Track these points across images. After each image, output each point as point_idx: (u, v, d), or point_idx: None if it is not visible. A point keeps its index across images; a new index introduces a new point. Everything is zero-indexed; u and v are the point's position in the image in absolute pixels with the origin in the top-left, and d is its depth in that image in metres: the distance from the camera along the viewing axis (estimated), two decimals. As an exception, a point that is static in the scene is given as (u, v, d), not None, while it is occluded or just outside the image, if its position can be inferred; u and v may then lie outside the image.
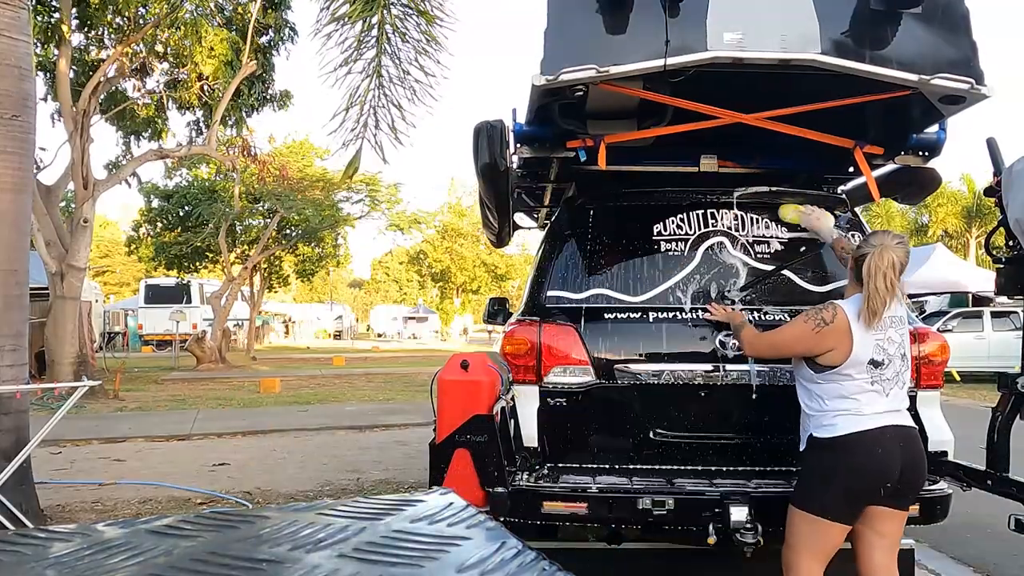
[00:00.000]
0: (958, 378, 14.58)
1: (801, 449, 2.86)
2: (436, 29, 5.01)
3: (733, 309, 3.28)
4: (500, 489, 2.89)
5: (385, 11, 4.85)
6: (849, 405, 2.71)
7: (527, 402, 3.31)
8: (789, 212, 3.51)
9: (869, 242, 2.77)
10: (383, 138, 5.02)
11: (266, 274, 28.86)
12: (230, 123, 15.57)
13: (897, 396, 2.76)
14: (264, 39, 14.60)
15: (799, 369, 2.86)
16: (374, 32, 4.91)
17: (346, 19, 4.86)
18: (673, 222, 3.61)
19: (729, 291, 3.47)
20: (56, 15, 12.65)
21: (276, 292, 39.47)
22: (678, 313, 3.39)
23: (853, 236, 3.69)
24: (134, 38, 13.28)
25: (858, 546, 2.81)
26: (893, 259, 2.69)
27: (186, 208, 23.43)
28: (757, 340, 3.00)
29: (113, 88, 14.49)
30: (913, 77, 2.91)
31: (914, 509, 3.07)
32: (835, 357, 2.71)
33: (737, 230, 3.61)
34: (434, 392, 3.11)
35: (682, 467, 3.32)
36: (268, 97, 15.43)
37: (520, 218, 5.76)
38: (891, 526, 2.79)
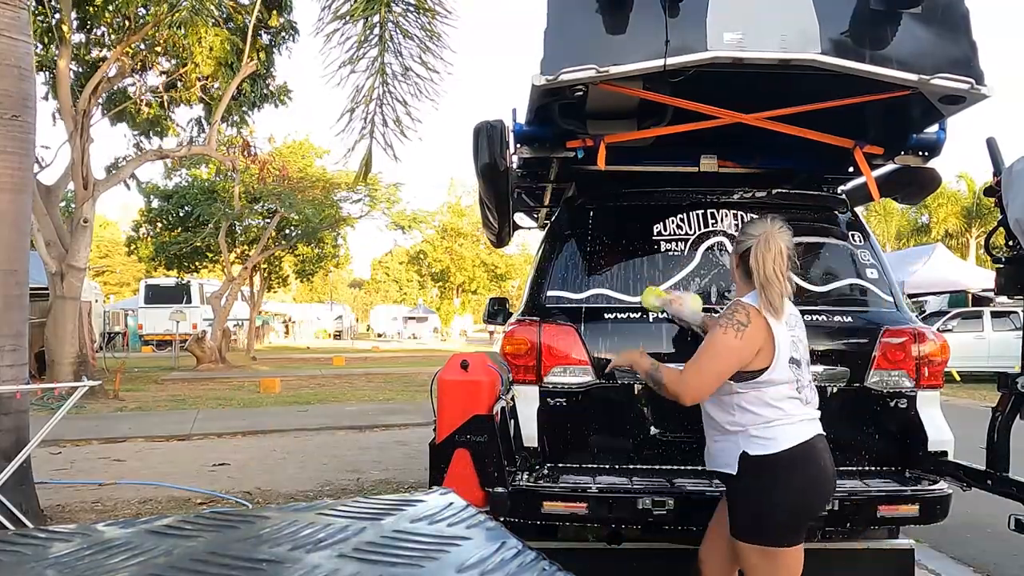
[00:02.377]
0: (958, 378, 14.58)
1: (733, 473, 2.51)
2: (438, 25, 5.01)
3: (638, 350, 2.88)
4: (500, 489, 2.88)
5: (386, 8, 4.85)
6: (777, 411, 2.46)
7: (527, 402, 3.31)
8: (650, 299, 3.17)
9: (749, 232, 2.56)
10: (391, 136, 5.02)
11: (266, 274, 28.87)
12: (232, 121, 15.57)
13: (813, 402, 2.56)
14: (265, 38, 14.61)
15: None
16: (376, 30, 4.91)
17: (348, 17, 4.86)
18: (673, 222, 3.61)
19: (729, 291, 3.47)
20: (57, 15, 12.65)
21: (276, 292, 39.47)
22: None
23: (853, 236, 3.70)
24: (134, 38, 13.28)
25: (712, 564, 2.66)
26: (780, 246, 2.48)
27: (186, 208, 23.43)
28: (683, 378, 2.55)
29: (114, 88, 14.49)
30: (913, 77, 2.91)
31: (912, 508, 3.08)
32: (762, 359, 2.45)
33: (737, 230, 3.61)
34: (434, 392, 3.11)
35: (682, 467, 3.32)
36: (268, 94, 15.43)
37: (520, 218, 5.76)
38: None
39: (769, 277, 2.45)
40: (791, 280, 2.56)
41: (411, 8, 4.99)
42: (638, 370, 2.77)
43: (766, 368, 2.44)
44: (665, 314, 3.30)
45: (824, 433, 2.54)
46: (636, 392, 3.35)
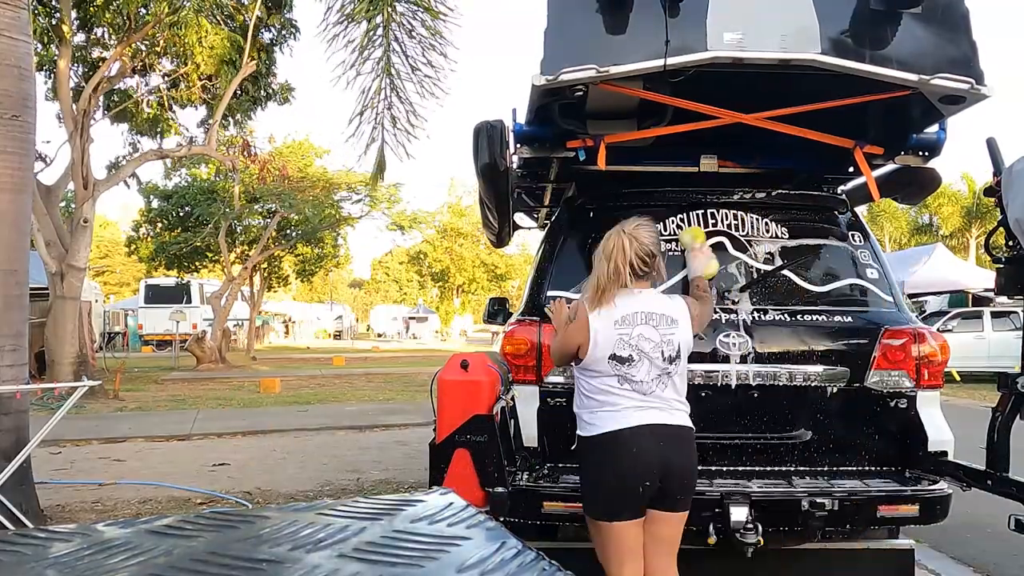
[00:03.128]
0: (958, 378, 14.58)
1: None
2: (441, 24, 5.01)
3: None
4: (500, 489, 2.88)
5: (390, 8, 4.85)
6: (603, 400, 2.66)
7: (527, 402, 3.31)
8: (688, 238, 3.37)
9: (613, 229, 2.73)
10: (400, 136, 5.03)
11: (266, 274, 28.87)
12: (235, 120, 15.58)
13: (660, 395, 2.67)
14: (266, 36, 14.61)
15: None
16: (380, 31, 4.92)
17: (351, 18, 4.87)
18: (673, 222, 3.61)
19: (729, 291, 3.47)
20: (57, 15, 12.65)
21: (276, 292, 39.47)
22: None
23: (853, 236, 3.70)
24: (135, 37, 13.28)
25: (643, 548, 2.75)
26: (623, 244, 2.63)
27: (186, 208, 23.44)
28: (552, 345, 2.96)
29: (114, 88, 14.49)
30: (913, 77, 2.91)
31: (912, 508, 3.08)
32: (581, 351, 2.68)
33: (737, 230, 3.61)
34: (434, 392, 3.11)
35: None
36: (269, 93, 15.44)
37: (520, 218, 5.76)
38: (664, 529, 2.69)
39: (599, 273, 2.66)
40: (654, 280, 2.75)
41: (414, 8, 5.00)
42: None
43: (583, 359, 2.69)
44: None
45: (671, 424, 2.64)
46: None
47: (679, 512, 2.69)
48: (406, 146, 5.09)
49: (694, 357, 3.28)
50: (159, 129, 15.48)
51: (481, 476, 2.86)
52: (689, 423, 2.72)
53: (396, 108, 4.99)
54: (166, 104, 14.87)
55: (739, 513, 2.92)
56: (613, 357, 2.64)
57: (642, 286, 2.72)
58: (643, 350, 2.64)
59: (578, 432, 2.75)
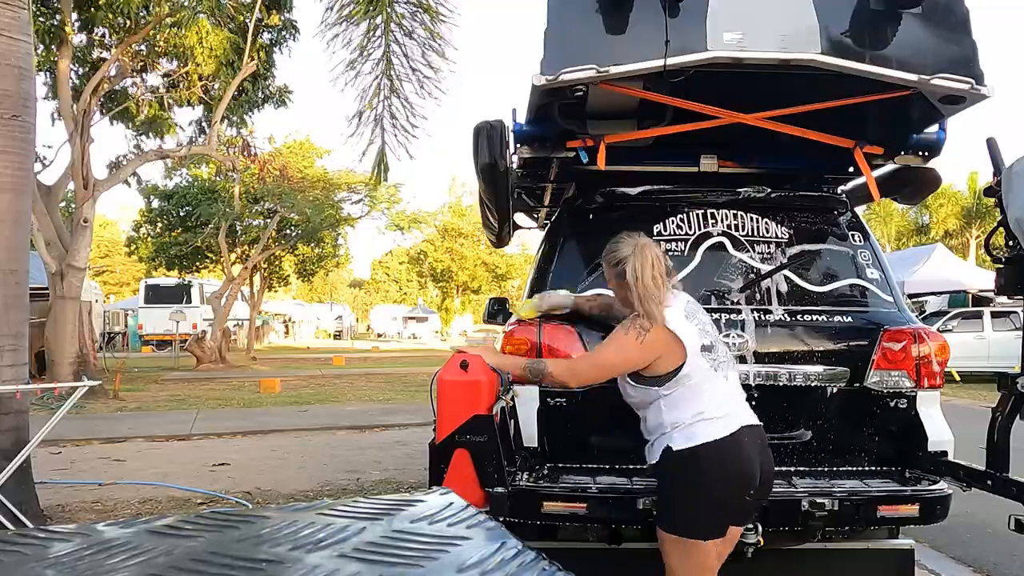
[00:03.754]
0: (958, 378, 14.58)
1: (654, 462, 2.63)
2: (440, 26, 5.02)
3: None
4: (500, 489, 2.88)
5: (390, 9, 4.85)
6: (704, 402, 2.52)
7: (527, 402, 3.31)
8: (527, 309, 3.28)
9: (621, 249, 2.63)
10: (400, 135, 5.04)
11: (266, 274, 28.87)
12: (233, 121, 15.58)
13: (737, 383, 2.63)
14: (266, 37, 14.62)
15: (625, 385, 2.67)
16: (380, 30, 4.92)
17: (350, 19, 4.87)
18: (673, 222, 3.61)
19: (729, 291, 3.47)
20: (57, 16, 12.65)
21: (276, 292, 39.47)
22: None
23: (853, 236, 3.70)
24: (135, 38, 13.28)
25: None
26: (655, 253, 2.60)
27: (186, 208, 23.44)
28: (573, 366, 2.76)
29: (114, 88, 14.49)
30: (913, 77, 2.91)
31: (912, 508, 3.07)
32: (674, 360, 2.52)
33: (737, 230, 3.61)
34: (434, 392, 3.11)
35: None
36: (268, 95, 15.44)
37: (520, 218, 5.76)
38: (729, 547, 2.60)
39: (648, 286, 2.54)
40: (669, 286, 2.64)
41: (413, 8, 5.00)
42: (504, 371, 2.73)
43: (681, 365, 2.52)
44: None
45: (755, 423, 2.58)
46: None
47: (748, 524, 2.62)
48: (407, 146, 5.09)
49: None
50: (159, 129, 15.48)
51: (481, 476, 2.86)
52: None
53: (396, 108, 4.99)
54: (166, 104, 14.87)
55: (739, 513, 2.92)
56: (704, 348, 2.55)
57: (672, 290, 2.69)
58: (712, 335, 2.62)
59: (669, 445, 2.53)
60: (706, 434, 2.47)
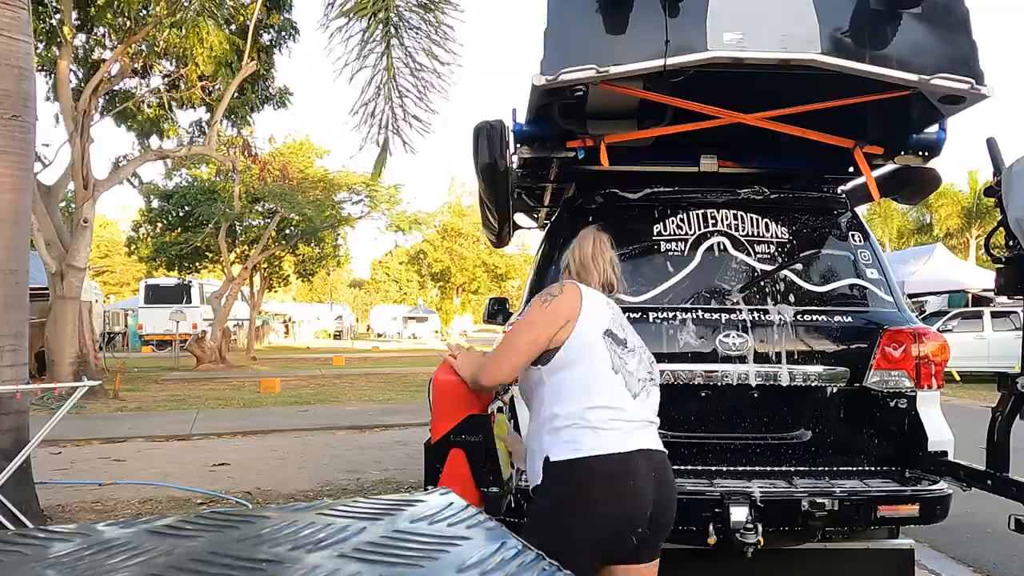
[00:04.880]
0: (958, 378, 14.58)
1: (535, 484, 2.16)
2: (444, 18, 5.01)
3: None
4: (495, 489, 2.88)
5: (392, 0, 4.84)
6: (591, 402, 2.05)
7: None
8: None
9: (578, 242, 2.39)
10: (404, 129, 5.02)
11: (266, 274, 28.88)
12: (233, 121, 15.59)
13: (646, 406, 2.14)
14: (266, 37, 14.62)
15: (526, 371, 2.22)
16: (382, 25, 4.91)
17: (353, 13, 4.86)
18: (673, 222, 3.61)
19: (729, 291, 3.47)
20: (57, 16, 12.65)
21: (276, 292, 39.47)
22: (678, 313, 3.39)
23: (853, 236, 3.70)
24: (135, 38, 13.29)
25: None
26: (600, 237, 2.35)
27: (186, 208, 23.45)
28: (483, 359, 2.30)
29: (114, 88, 14.50)
30: (913, 77, 2.91)
31: (912, 508, 3.08)
32: (567, 329, 2.09)
33: (737, 230, 3.61)
34: (430, 392, 3.10)
35: (682, 467, 3.32)
36: (268, 95, 15.45)
37: (520, 218, 5.76)
38: None
39: (584, 262, 2.30)
40: (617, 276, 2.33)
41: (415, 3, 4.99)
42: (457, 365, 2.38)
43: (567, 339, 2.09)
44: (669, 314, 3.31)
45: (656, 449, 2.11)
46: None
47: (654, 561, 2.15)
48: (409, 142, 5.08)
49: (694, 357, 3.30)
50: (159, 129, 15.48)
51: (476, 476, 2.86)
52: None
53: (400, 100, 4.98)
54: (166, 105, 14.87)
55: (739, 513, 2.92)
56: (609, 333, 2.12)
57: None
58: (633, 343, 2.21)
59: (548, 455, 2.07)
60: (592, 445, 2.01)
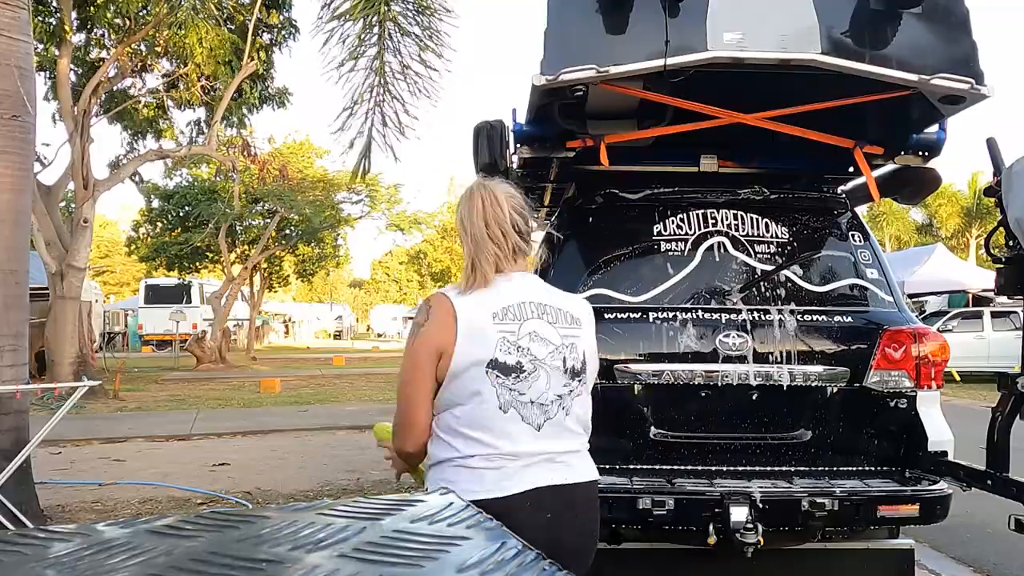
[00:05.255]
0: (958, 378, 14.58)
1: None
2: (438, 24, 5.02)
3: None
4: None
5: (386, 7, 4.85)
6: (473, 441, 1.75)
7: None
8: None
9: (465, 208, 1.91)
10: (390, 135, 5.02)
11: (266, 274, 28.89)
12: (231, 122, 15.59)
13: (557, 432, 1.80)
14: (265, 37, 14.62)
15: None
16: (375, 29, 4.92)
17: (347, 17, 4.87)
18: (673, 222, 3.61)
19: (729, 291, 3.47)
20: (57, 15, 12.65)
21: (276, 292, 39.47)
22: (678, 313, 3.39)
23: (853, 236, 3.70)
24: (135, 38, 13.29)
25: None
26: (495, 199, 1.84)
27: (186, 208, 23.46)
28: (395, 421, 1.88)
29: (114, 88, 14.50)
30: (913, 77, 2.91)
31: (912, 508, 3.08)
32: (443, 364, 1.76)
33: (737, 230, 3.61)
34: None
35: (682, 467, 3.32)
36: (268, 96, 15.45)
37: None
38: None
39: (478, 236, 1.84)
40: (519, 244, 1.88)
41: (410, 8, 5.00)
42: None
43: (445, 374, 1.76)
44: (669, 315, 3.31)
45: (570, 483, 1.80)
46: (636, 392, 3.34)
47: None
48: (393, 145, 5.09)
49: (694, 357, 3.30)
50: (157, 129, 15.48)
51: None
52: (593, 471, 1.88)
53: (387, 107, 4.99)
54: (165, 105, 14.87)
55: (739, 513, 2.92)
56: (494, 364, 1.75)
57: (522, 269, 1.92)
58: (537, 357, 1.79)
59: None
60: (465, 488, 1.63)
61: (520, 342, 1.79)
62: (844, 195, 4.01)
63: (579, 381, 1.86)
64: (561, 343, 1.84)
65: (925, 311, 18.01)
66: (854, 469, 3.32)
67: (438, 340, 1.77)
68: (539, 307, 1.85)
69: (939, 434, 3.27)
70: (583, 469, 1.85)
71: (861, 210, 4.13)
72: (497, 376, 1.76)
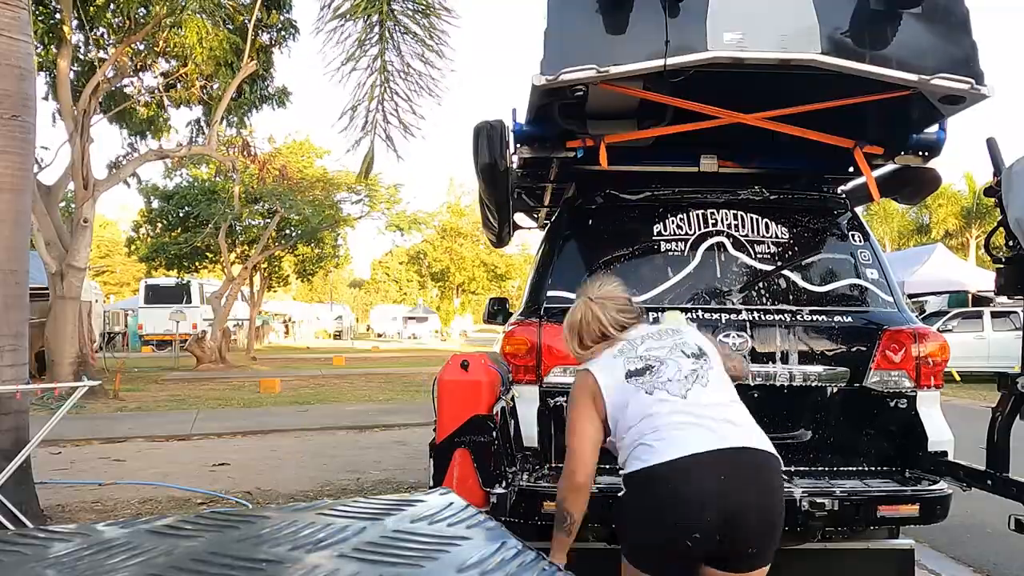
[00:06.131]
0: (958, 378, 14.58)
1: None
2: (439, 23, 5.00)
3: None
4: (500, 489, 2.89)
5: (387, 6, 4.85)
6: (642, 432, 2.14)
7: (527, 402, 3.31)
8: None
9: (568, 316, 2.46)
10: (394, 133, 5.01)
11: (266, 274, 28.89)
12: (231, 121, 15.59)
13: (708, 391, 2.19)
14: (265, 37, 14.62)
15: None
16: (376, 28, 4.91)
17: (348, 16, 4.86)
18: (673, 222, 3.61)
19: (729, 291, 3.47)
20: (57, 15, 12.65)
21: (276, 292, 39.48)
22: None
23: (853, 236, 3.70)
24: (135, 38, 13.28)
25: None
26: (594, 314, 2.36)
27: (186, 208, 23.45)
28: (566, 462, 2.35)
29: (113, 88, 14.49)
30: (913, 77, 2.91)
31: (912, 508, 3.07)
32: (602, 405, 2.26)
33: (737, 230, 3.61)
34: (435, 392, 3.11)
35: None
36: (267, 95, 15.45)
37: (520, 218, 5.76)
38: None
39: (577, 352, 2.40)
40: (618, 318, 2.35)
41: (410, 7, 4.99)
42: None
43: (607, 407, 2.24)
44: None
45: (723, 447, 2.06)
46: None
47: (754, 571, 2.07)
48: (397, 143, 5.08)
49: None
50: (157, 129, 15.47)
51: (482, 476, 2.86)
52: (766, 446, 2.14)
53: (390, 105, 4.98)
54: (164, 105, 14.87)
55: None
56: (630, 374, 2.21)
57: (635, 326, 2.39)
58: (658, 357, 2.24)
59: (622, 469, 2.24)
60: (648, 458, 2.08)
61: (640, 354, 2.27)
62: (844, 195, 4.01)
63: (704, 359, 2.27)
64: (673, 344, 2.30)
65: (925, 311, 18.00)
66: (854, 469, 3.32)
67: (589, 392, 2.27)
68: (641, 337, 2.33)
69: (939, 434, 3.27)
70: (748, 435, 2.18)
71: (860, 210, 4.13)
72: (636, 380, 2.22)
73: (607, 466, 3.31)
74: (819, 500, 2.96)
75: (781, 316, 3.37)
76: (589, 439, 2.29)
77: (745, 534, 2.01)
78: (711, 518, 1.97)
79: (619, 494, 2.28)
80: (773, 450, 2.16)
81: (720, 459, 2.03)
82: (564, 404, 3.32)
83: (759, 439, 2.15)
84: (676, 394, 2.16)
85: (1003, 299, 8.15)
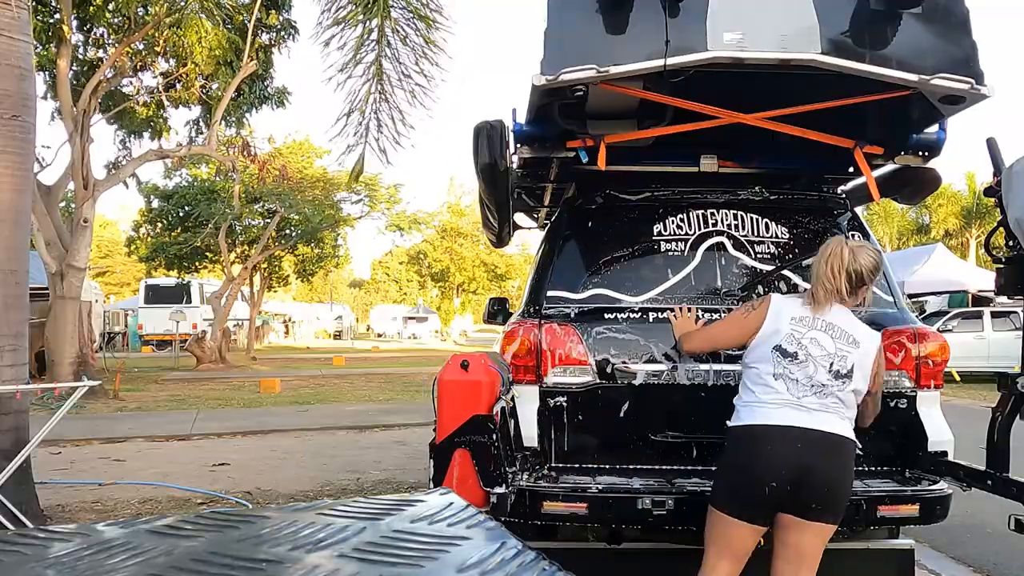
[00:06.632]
0: (958, 378, 14.58)
1: None
2: (435, 33, 5.02)
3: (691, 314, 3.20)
4: (500, 489, 2.88)
5: (384, 15, 4.86)
6: (750, 396, 2.68)
7: (527, 402, 3.31)
8: None
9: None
10: (385, 142, 5.04)
11: (266, 274, 28.88)
12: (231, 121, 15.59)
13: (813, 402, 2.60)
14: (265, 37, 14.61)
15: None
16: (374, 36, 4.92)
17: (346, 22, 4.87)
18: (673, 222, 3.61)
19: (729, 291, 3.47)
20: (57, 15, 12.64)
21: (276, 292, 39.47)
22: (678, 313, 3.38)
23: (854, 236, 3.70)
24: (134, 37, 13.28)
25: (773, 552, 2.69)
26: (838, 250, 2.63)
27: (186, 208, 23.45)
28: (694, 336, 3.01)
29: (113, 88, 14.49)
30: (913, 77, 2.91)
31: (912, 508, 3.07)
32: (752, 339, 2.71)
33: (737, 230, 3.61)
34: (435, 392, 3.11)
35: (682, 467, 3.32)
36: (267, 95, 15.44)
37: (520, 218, 5.76)
38: (793, 536, 2.61)
39: (819, 275, 2.65)
40: (858, 299, 2.68)
41: (409, 17, 5.00)
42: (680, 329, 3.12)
43: (751, 344, 2.71)
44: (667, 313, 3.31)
45: (818, 429, 2.56)
46: (636, 392, 3.34)
47: (815, 523, 2.58)
48: (388, 151, 5.10)
49: (695, 358, 3.29)
50: (154, 129, 15.46)
51: (481, 476, 2.86)
52: (848, 433, 2.62)
53: (383, 114, 5.00)
54: (163, 105, 14.87)
55: (739, 513, 2.92)
56: (778, 349, 2.62)
57: (844, 305, 2.67)
58: (811, 353, 2.60)
59: (727, 421, 2.74)
60: (746, 418, 2.65)
61: (802, 340, 2.62)
62: (844, 195, 4.01)
63: (842, 382, 2.60)
64: (835, 352, 2.60)
65: (925, 311, 18.00)
66: (854, 469, 3.31)
67: (753, 323, 2.72)
68: (829, 326, 2.63)
69: (939, 434, 3.27)
70: (834, 423, 2.59)
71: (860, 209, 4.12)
72: (778, 356, 2.63)
73: (607, 466, 3.33)
74: (819, 500, 2.95)
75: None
76: (718, 346, 3.02)
77: (810, 494, 2.54)
78: (781, 474, 2.53)
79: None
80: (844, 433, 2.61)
81: (788, 433, 2.57)
82: (564, 404, 3.32)
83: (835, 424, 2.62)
84: (792, 392, 2.60)
85: (1003, 299, 8.15)
